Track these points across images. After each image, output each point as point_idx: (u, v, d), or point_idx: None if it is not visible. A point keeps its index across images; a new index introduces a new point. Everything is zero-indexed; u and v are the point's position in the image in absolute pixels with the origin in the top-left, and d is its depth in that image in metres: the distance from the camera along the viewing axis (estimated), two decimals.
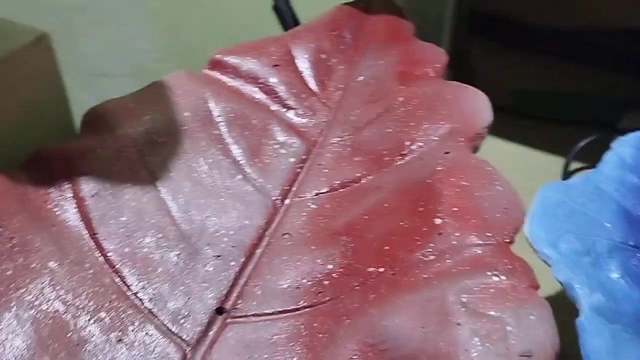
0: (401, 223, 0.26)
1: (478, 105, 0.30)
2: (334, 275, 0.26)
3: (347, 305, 0.25)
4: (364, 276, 0.25)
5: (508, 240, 0.24)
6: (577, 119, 0.39)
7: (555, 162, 0.36)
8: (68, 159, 0.28)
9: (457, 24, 0.39)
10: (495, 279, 0.23)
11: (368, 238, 0.27)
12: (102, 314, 0.25)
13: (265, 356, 0.24)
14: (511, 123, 0.38)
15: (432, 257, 0.25)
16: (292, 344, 0.24)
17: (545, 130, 0.38)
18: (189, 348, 0.25)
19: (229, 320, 0.26)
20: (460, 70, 0.41)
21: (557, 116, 0.39)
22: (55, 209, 0.27)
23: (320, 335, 0.24)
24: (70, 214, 0.27)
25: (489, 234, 0.24)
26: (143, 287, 0.26)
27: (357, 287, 0.25)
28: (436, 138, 0.29)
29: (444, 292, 0.23)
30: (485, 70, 0.42)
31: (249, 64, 0.34)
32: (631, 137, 0.26)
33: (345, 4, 0.38)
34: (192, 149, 0.30)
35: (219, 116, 0.32)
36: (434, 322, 0.22)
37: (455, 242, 0.24)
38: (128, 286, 0.26)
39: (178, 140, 0.30)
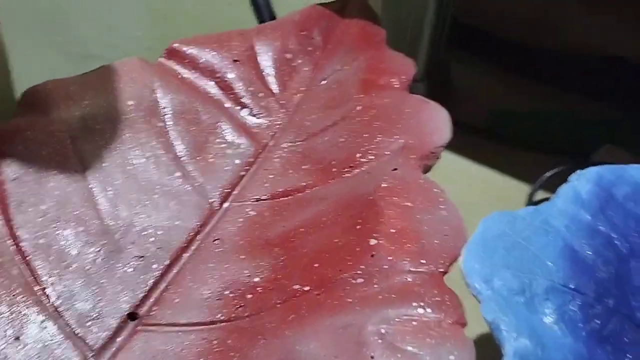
0: (336, 240, 0.24)
1: (437, 122, 0.28)
2: (258, 289, 0.24)
3: (265, 324, 0.23)
4: (288, 294, 0.24)
5: (442, 270, 0.22)
6: (552, 146, 0.37)
7: (522, 190, 0.35)
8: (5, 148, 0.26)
9: (436, 32, 0.38)
10: (420, 311, 0.21)
11: (300, 252, 0.25)
12: (3, 308, 0.23)
13: None
14: (481, 143, 0.36)
15: (360, 280, 0.23)
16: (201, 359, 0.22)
17: (517, 155, 0.36)
18: (92, 354, 0.23)
19: (139, 327, 0.24)
20: (435, 82, 0.39)
21: (532, 141, 0.37)
22: None
23: (232, 354, 0.23)
24: None
25: (423, 261, 0.22)
26: (53, 283, 0.24)
27: (278, 305, 0.23)
28: (387, 153, 0.27)
29: (364, 320, 0.21)
30: (461, 85, 0.40)
31: (207, 56, 0.32)
32: (591, 171, 0.24)
33: (320, 4, 0.36)
34: (131, 140, 0.28)
35: (164, 108, 0.30)
36: (347, 352, 0.20)
37: (386, 267, 0.23)
38: (37, 280, 0.24)
39: (116, 129, 0.28)
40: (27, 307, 0.24)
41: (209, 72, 0.32)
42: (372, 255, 0.23)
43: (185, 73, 0.32)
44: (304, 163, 0.29)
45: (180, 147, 0.29)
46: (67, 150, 0.27)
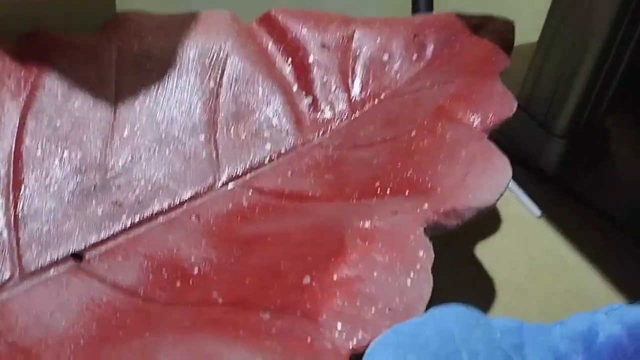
0: (282, 263, 0.21)
1: (486, 183, 0.22)
2: (190, 280, 0.22)
3: (166, 318, 0.20)
4: (205, 299, 0.21)
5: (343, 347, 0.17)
6: None
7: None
8: (49, 48, 0.27)
9: (595, 85, 0.30)
10: None
11: (250, 262, 0.22)
12: None
13: (57, 315, 0.21)
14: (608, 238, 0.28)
15: (265, 316, 0.19)
16: (79, 319, 0.21)
17: None
18: (18, 274, 0.23)
19: (74, 269, 0.23)
20: (578, 145, 0.31)
21: None
22: (9, 86, 0.26)
23: (121, 333, 0.20)
24: (16, 99, 0.26)
25: (338, 327, 0.18)
26: (25, 196, 0.24)
27: (190, 306, 0.21)
28: (405, 193, 0.22)
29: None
30: (612, 157, 0.32)
31: (297, 32, 0.29)
32: (629, 312, 0.17)
33: (460, 15, 0.31)
34: (173, 89, 0.27)
35: (225, 70, 0.28)
36: None
37: (297, 314, 0.18)
38: (16, 186, 0.24)
39: (164, 74, 0.27)
40: None
41: (291, 49, 0.29)
42: (295, 294, 0.19)
43: (269, 43, 0.29)
44: (329, 173, 0.25)
45: (220, 112, 0.27)
46: (108, 78, 0.27)
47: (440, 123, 0.25)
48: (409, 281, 0.19)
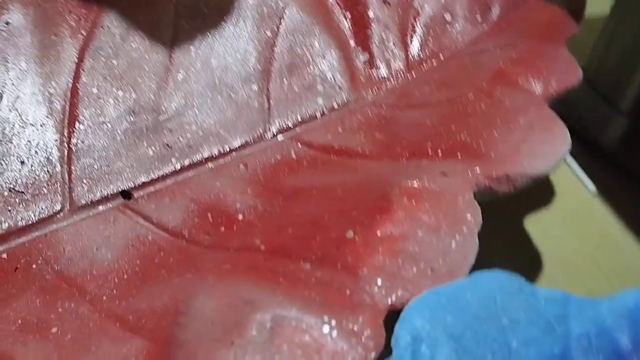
0: (326, 217, 0.20)
1: (544, 149, 0.21)
2: (234, 226, 0.22)
3: (209, 260, 0.21)
4: (247, 244, 0.21)
5: (385, 305, 0.17)
6: None
7: None
8: None
9: None
10: (324, 329, 0.16)
11: (293, 213, 0.22)
12: (29, 131, 0.24)
13: (103, 249, 0.21)
14: None
15: (306, 266, 0.19)
16: (123, 255, 0.21)
17: None
18: (68, 207, 0.23)
19: (121, 207, 0.23)
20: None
21: None
22: (70, 22, 0.27)
23: (164, 272, 0.21)
24: (76, 36, 0.26)
25: (379, 283, 0.18)
26: (81, 130, 0.25)
27: (232, 250, 0.21)
28: (457, 156, 0.22)
29: (268, 305, 0.17)
30: None
31: None
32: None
33: None
34: (230, 36, 0.27)
35: (282, 19, 0.28)
36: (227, 325, 0.17)
37: (339, 267, 0.18)
38: (71, 121, 0.25)
39: (222, 20, 0.27)
40: (45, 133, 0.24)
41: (352, 3, 0.29)
42: (337, 247, 0.19)
43: None
44: (380, 131, 0.25)
45: (274, 63, 0.27)
46: (166, 21, 0.27)
47: (500, 87, 0.24)
48: (453, 243, 0.18)
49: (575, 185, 0.29)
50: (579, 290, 0.25)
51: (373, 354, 0.16)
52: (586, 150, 0.31)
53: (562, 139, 0.22)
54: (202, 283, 0.19)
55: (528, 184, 0.21)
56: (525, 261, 0.26)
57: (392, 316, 0.17)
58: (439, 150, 0.22)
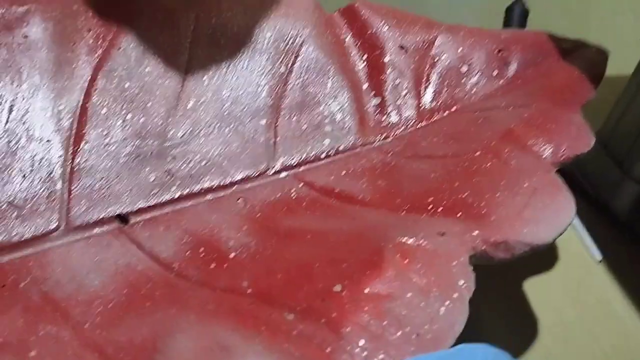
0: (316, 265, 0.20)
1: (546, 218, 0.21)
2: (224, 264, 0.22)
3: (193, 297, 0.20)
4: (233, 286, 0.20)
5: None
6: None
7: None
8: (130, 4, 0.27)
9: None
10: None
11: (284, 256, 0.21)
12: (37, 143, 0.24)
13: (92, 274, 0.21)
14: None
15: (290, 317, 0.18)
16: (111, 282, 0.21)
17: None
18: (65, 225, 0.23)
19: (116, 231, 0.23)
20: None
21: None
22: (88, 40, 0.27)
23: (148, 304, 0.21)
24: (91, 55, 0.26)
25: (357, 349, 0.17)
26: (85, 150, 0.25)
27: (218, 290, 0.20)
28: (457, 215, 0.21)
29: (236, 358, 0.17)
30: None
31: (377, 29, 0.29)
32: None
33: (551, 35, 0.30)
34: (244, 69, 0.27)
35: (298, 57, 0.28)
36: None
37: (323, 321, 0.18)
38: (76, 139, 0.25)
39: (237, 52, 0.27)
40: (50, 150, 0.24)
41: (369, 46, 0.28)
42: (322, 300, 0.18)
43: (347, 35, 0.29)
44: (383, 179, 0.25)
45: (285, 99, 0.27)
46: (182, 49, 0.27)
47: (508, 148, 0.24)
48: (442, 309, 0.18)
49: (580, 251, 0.29)
50: None
51: None
52: (597, 215, 0.31)
53: (567, 208, 0.22)
54: (183, 321, 0.19)
55: (527, 252, 0.21)
56: (520, 326, 0.26)
57: None
58: (440, 207, 0.22)
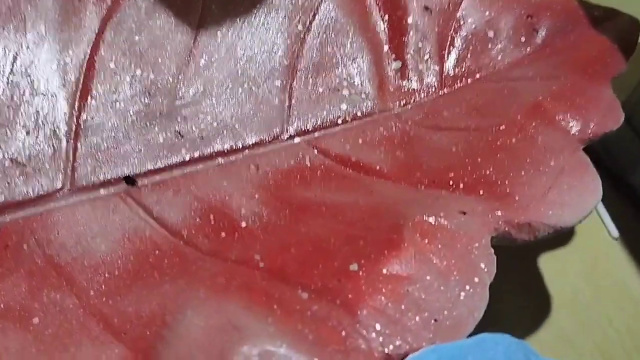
0: (332, 240, 0.19)
1: (573, 198, 0.20)
2: (235, 234, 0.21)
3: (202, 269, 0.20)
4: (245, 259, 0.20)
5: (383, 351, 0.16)
6: None
7: None
8: None
9: None
10: None
11: (297, 229, 0.21)
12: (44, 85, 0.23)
13: (98, 239, 0.21)
14: None
15: (304, 296, 0.18)
16: (118, 248, 0.20)
17: None
18: (69, 187, 0.22)
19: (122, 194, 0.22)
20: None
21: None
22: None
23: (156, 273, 0.20)
24: (101, 3, 0.25)
25: (372, 334, 0.17)
26: (90, 107, 0.24)
27: (230, 262, 0.20)
28: (480, 193, 0.21)
29: (248, 340, 0.16)
30: None
31: None
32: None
33: (582, 2, 0.28)
34: (261, 25, 0.26)
35: (317, 14, 0.26)
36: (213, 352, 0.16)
37: (337, 302, 0.17)
38: (83, 94, 0.24)
39: (254, 8, 0.26)
40: (55, 105, 0.23)
41: (391, 5, 0.27)
42: (338, 280, 0.18)
43: None
44: (401, 150, 0.24)
45: (301, 59, 0.26)
46: (195, 2, 0.25)
47: (534, 122, 0.23)
48: (462, 294, 0.17)
49: (597, 227, 0.28)
50: (586, 345, 0.24)
51: None
52: (614, 188, 0.30)
53: (594, 190, 0.21)
54: (193, 296, 0.18)
55: (550, 235, 0.20)
56: (534, 302, 0.25)
57: None
58: (461, 183, 0.21)
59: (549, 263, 0.26)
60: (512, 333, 0.17)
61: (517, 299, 0.25)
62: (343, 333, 0.16)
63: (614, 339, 0.24)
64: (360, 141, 0.24)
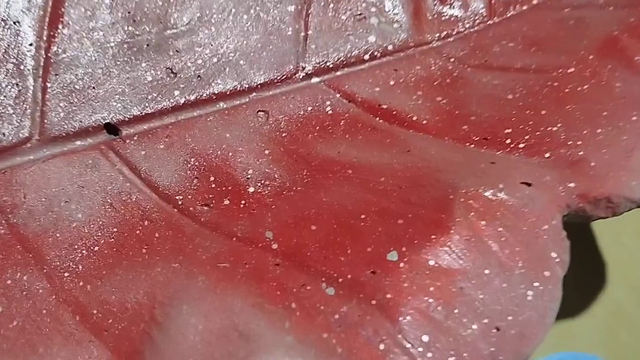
0: (363, 216, 0.16)
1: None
2: (242, 201, 0.17)
3: (202, 245, 0.16)
4: (258, 240, 0.16)
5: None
6: None
7: None
8: None
9: None
10: None
11: (316, 196, 0.17)
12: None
13: (73, 204, 0.17)
14: None
15: (329, 290, 0.14)
16: (98, 216, 0.16)
17: None
18: (37, 136, 0.18)
19: (103, 147, 0.18)
20: None
21: None
22: None
23: (145, 248, 0.16)
24: None
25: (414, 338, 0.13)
26: (62, 36, 0.19)
27: (239, 241, 0.16)
28: (546, 155, 0.17)
29: (259, 355, 0.13)
30: None
31: None
32: None
33: None
34: None
35: None
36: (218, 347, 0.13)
37: (373, 302, 0.14)
38: (53, 19, 0.19)
39: None
40: (19, 34, 0.19)
41: None
42: (373, 272, 0.14)
43: None
44: (443, 95, 0.19)
45: None
46: None
47: (610, 64, 0.18)
48: (530, 293, 0.14)
49: None
50: None
51: None
52: None
53: None
54: (190, 284, 0.15)
55: (632, 209, 0.16)
56: (589, 272, 0.22)
57: None
58: (522, 142, 0.17)
59: (603, 226, 0.23)
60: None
61: (570, 272, 0.21)
62: (382, 347, 0.13)
63: None
64: (392, 83, 0.20)
